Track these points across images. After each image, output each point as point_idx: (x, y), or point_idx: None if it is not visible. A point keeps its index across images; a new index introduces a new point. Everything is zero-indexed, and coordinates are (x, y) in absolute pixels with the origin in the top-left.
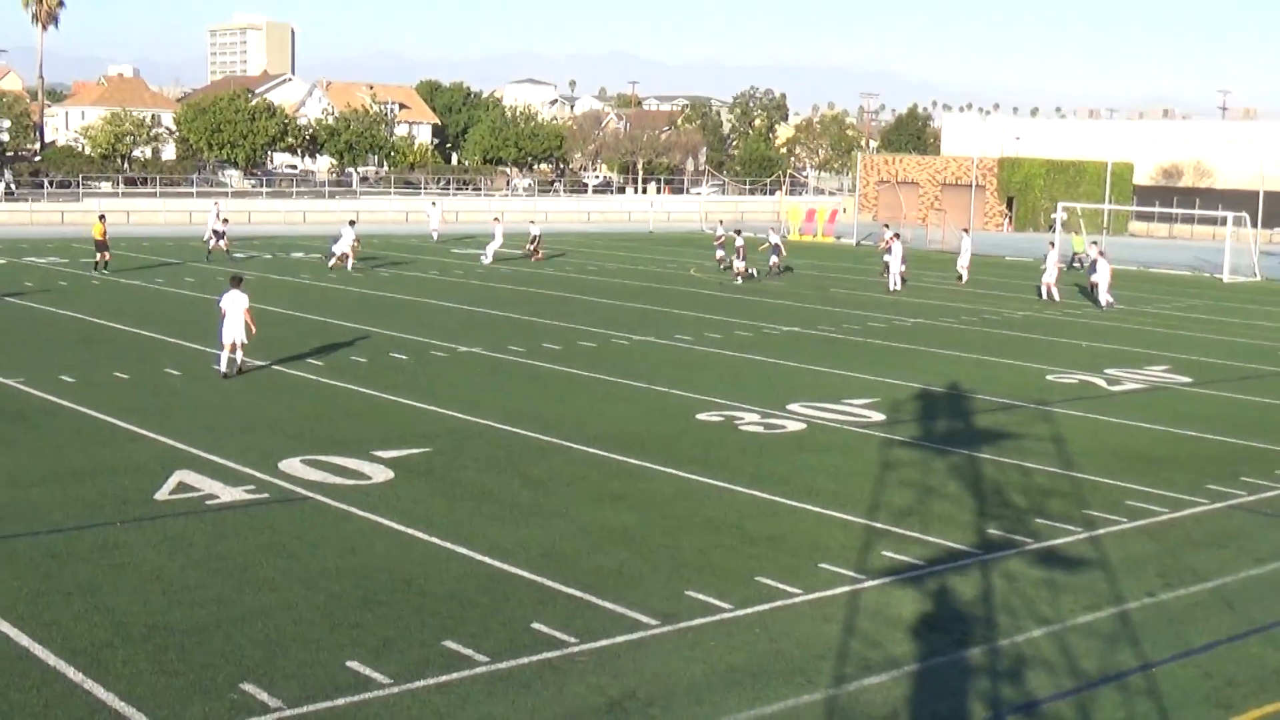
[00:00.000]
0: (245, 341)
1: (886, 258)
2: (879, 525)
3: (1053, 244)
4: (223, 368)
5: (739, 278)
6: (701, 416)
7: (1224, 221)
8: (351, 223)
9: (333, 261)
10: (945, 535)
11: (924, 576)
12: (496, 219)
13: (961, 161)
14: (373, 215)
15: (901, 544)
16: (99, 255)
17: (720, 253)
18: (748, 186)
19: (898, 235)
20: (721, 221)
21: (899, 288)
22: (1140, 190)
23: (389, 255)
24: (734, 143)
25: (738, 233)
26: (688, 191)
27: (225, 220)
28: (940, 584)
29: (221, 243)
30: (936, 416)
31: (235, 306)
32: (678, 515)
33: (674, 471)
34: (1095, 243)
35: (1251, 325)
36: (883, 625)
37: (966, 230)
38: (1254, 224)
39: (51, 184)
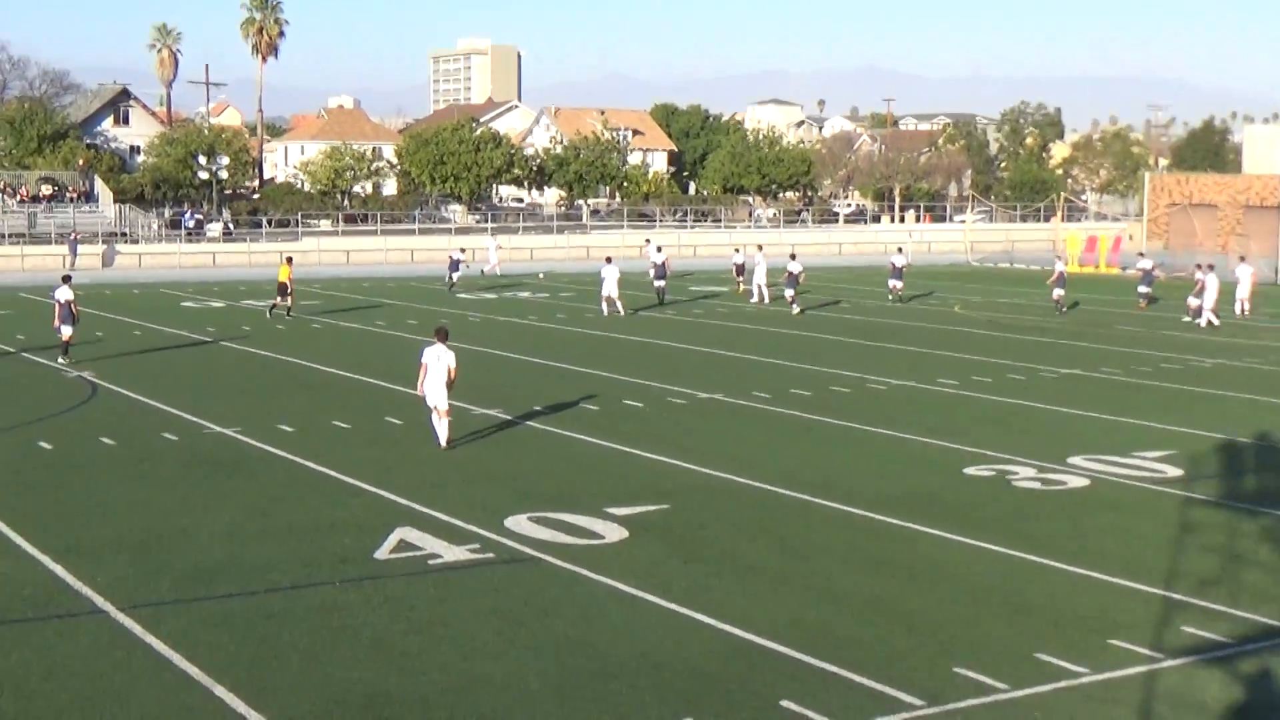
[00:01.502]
0: (446, 409)
1: (1194, 299)
2: (1178, 597)
3: None
4: (440, 439)
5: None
6: (970, 471)
7: None
8: (609, 260)
9: (606, 309)
10: (1258, 609)
11: (1233, 657)
12: (760, 246)
13: (1267, 180)
14: (601, 250)
15: (1205, 619)
16: (279, 299)
17: (1059, 291)
18: (1018, 212)
19: (1211, 266)
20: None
21: (1215, 322)
22: None
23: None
24: (1002, 164)
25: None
26: (950, 219)
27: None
28: (1253, 666)
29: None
30: (1244, 472)
31: (438, 363)
32: (944, 582)
33: (939, 533)
34: None
35: None
36: (1185, 713)
37: (1243, 258)
38: None
39: (270, 223)
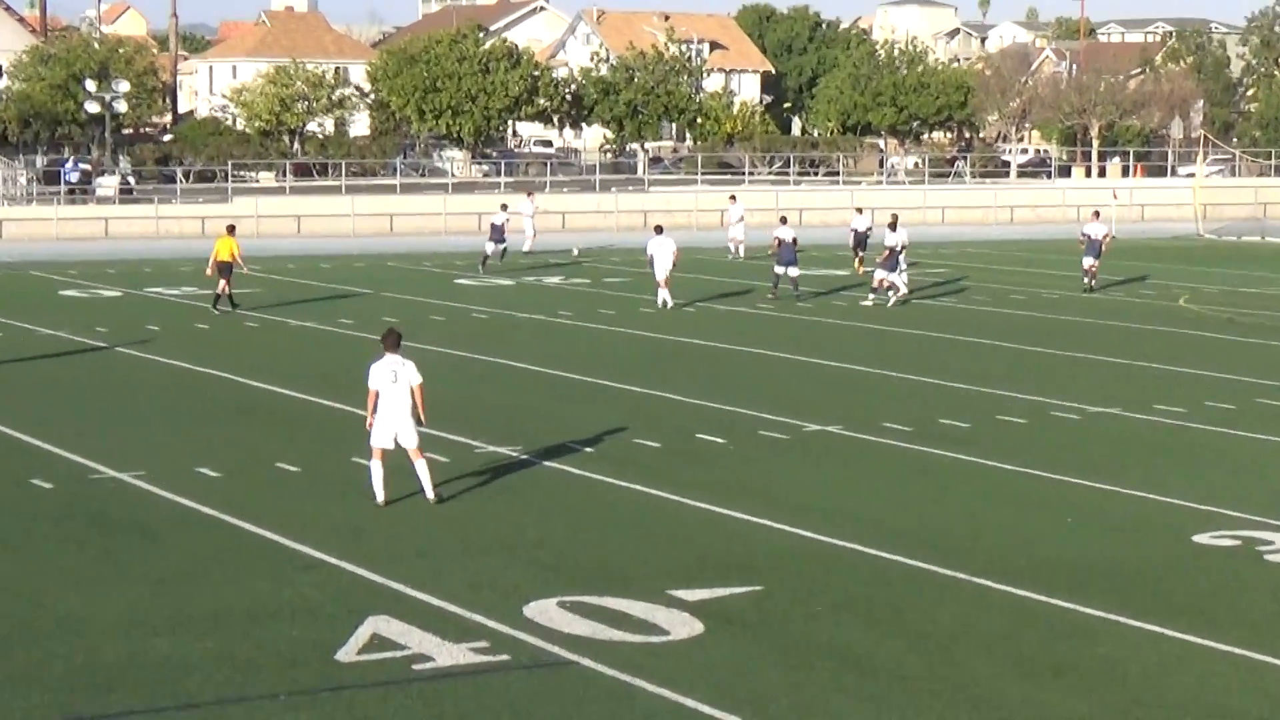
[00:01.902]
0: (416, 445)
1: None
2: None
3: None
4: (378, 492)
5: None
6: (1201, 538)
7: None
8: (659, 229)
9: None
10: None
11: None
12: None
13: None
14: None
15: None
16: (221, 285)
17: None
18: (1273, 162)
19: None
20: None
21: None
22: None
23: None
24: (1250, 91)
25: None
26: (1173, 172)
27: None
28: None
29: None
30: None
31: (395, 385)
32: (1163, 701)
33: (1153, 628)
34: None
35: None
36: None
37: None
38: None
39: (188, 176)
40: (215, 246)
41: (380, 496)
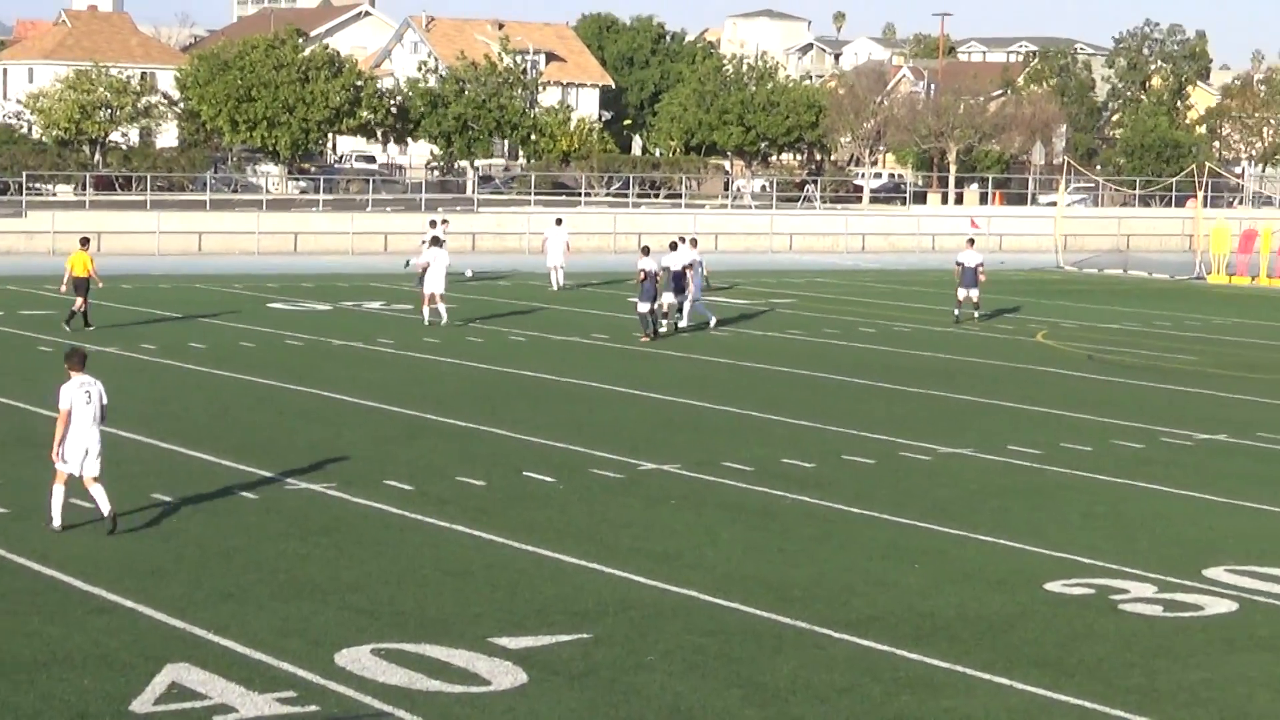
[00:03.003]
0: (97, 473)
1: None
2: None
3: None
4: (55, 516)
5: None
6: (1053, 586)
7: None
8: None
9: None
10: None
11: None
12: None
13: None
14: (492, 238)
15: None
16: (81, 301)
17: None
18: (1137, 192)
19: None
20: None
21: None
22: None
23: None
24: (1115, 116)
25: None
26: (1034, 200)
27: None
28: None
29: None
30: None
31: (86, 407)
32: None
33: (1001, 680)
34: None
35: None
36: None
37: None
38: None
39: None
40: (69, 261)
41: (57, 521)
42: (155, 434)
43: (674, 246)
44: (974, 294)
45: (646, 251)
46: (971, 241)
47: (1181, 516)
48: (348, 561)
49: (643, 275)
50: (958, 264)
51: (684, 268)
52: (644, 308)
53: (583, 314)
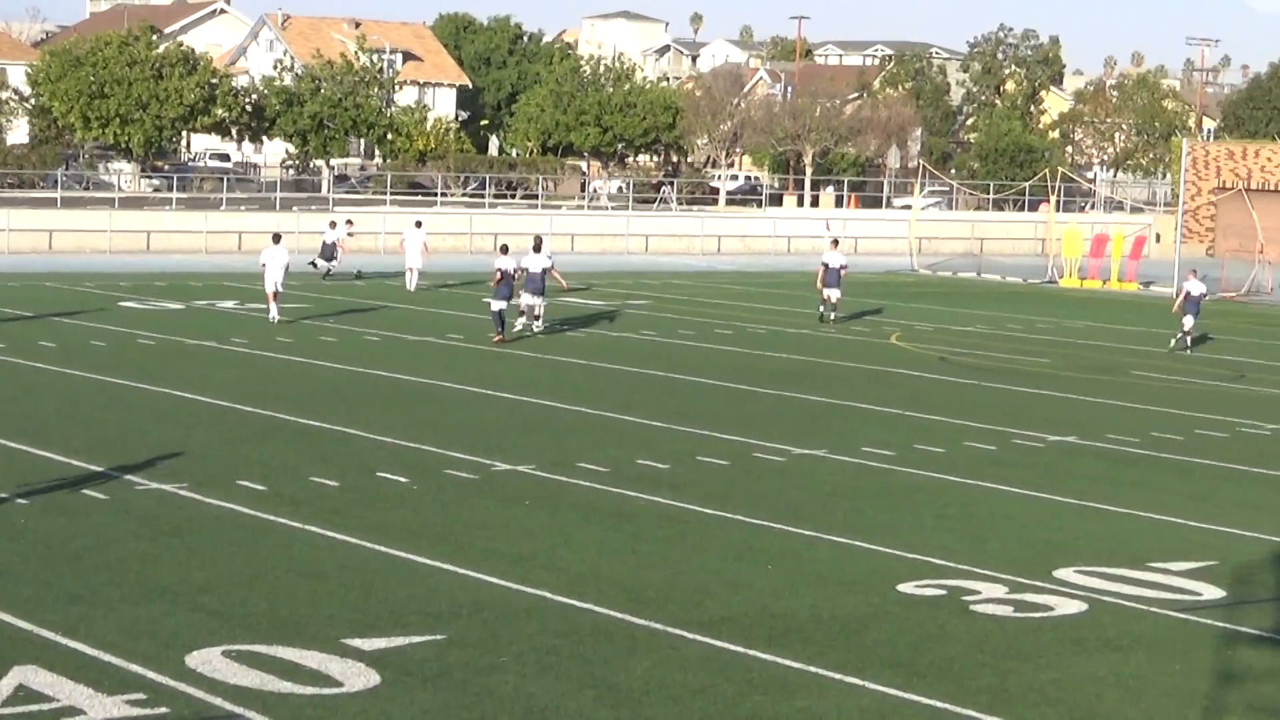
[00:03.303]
0: None
1: None
2: None
3: None
4: None
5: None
6: (906, 588)
7: None
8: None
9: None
10: None
11: None
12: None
13: None
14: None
15: None
16: None
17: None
18: (991, 195)
19: None
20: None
21: None
22: None
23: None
24: (969, 120)
25: None
26: (889, 203)
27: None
28: None
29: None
30: None
31: None
32: None
33: (853, 680)
34: None
35: None
36: None
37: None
38: None
39: None
40: None
41: None
42: (3, 433)
43: (537, 247)
44: (834, 294)
45: (505, 250)
46: (836, 242)
47: (1032, 517)
48: (199, 562)
49: (499, 275)
50: (822, 264)
51: (543, 270)
52: (497, 306)
53: (438, 314)
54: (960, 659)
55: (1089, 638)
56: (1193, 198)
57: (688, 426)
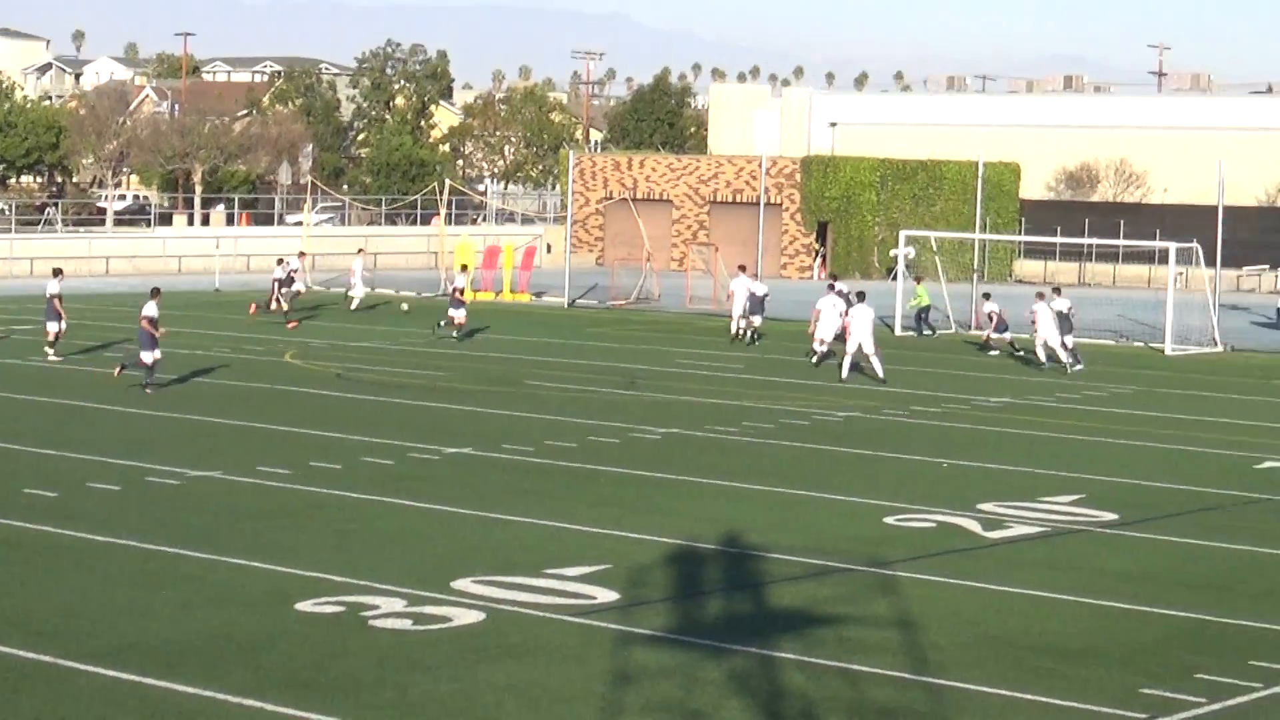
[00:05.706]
0: None
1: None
2: None
3: (987, 295)
4: None
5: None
6: (305, 606)
7: (1166, 257)
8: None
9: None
10: None
11: None
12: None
13: (741, 164)
14: None
15: None
16: None
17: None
18: (384, 210)
19: (862, 296)
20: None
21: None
22: (1032, 208)
23: None
24: (360, 136)
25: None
26: (282, 220)
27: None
28: None
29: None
30: (701, 591)
31: None
32: None
33: (254, 703)
34: (987, 295)
35: (1209, 424)
36: None
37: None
38: (1210, 260)
39: None
40: None
41: None
42: None
43: None
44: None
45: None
46: (286, 259)
47: (432, 530)
48: None
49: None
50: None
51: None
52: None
53: None
54: (361, 674)
55: (489, 646)
56: (581, 208)
57: (75, 453)
